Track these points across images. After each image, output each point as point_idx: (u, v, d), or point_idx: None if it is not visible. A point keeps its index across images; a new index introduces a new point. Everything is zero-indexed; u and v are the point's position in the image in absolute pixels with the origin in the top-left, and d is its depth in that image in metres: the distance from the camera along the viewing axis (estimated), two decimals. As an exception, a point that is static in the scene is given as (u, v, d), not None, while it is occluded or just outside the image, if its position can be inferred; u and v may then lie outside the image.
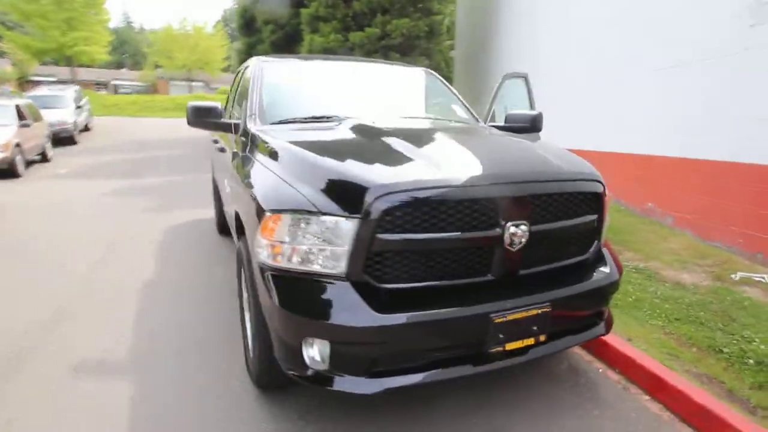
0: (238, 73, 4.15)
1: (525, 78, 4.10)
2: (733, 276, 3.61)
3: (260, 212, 1.89)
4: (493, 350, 1.86)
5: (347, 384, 1.78)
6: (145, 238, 4.93)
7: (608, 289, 2.19)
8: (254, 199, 2.01)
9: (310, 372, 1.81)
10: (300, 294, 1.79)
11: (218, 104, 2.87)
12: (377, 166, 1.90)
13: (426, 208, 1.75)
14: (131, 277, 3.81)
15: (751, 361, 2.50)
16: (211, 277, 3.85)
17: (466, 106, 3.44)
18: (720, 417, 2.04)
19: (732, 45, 4.11)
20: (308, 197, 1.80)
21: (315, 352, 1.79)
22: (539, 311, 1.91)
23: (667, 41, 4.90)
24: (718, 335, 2.80)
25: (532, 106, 4.05)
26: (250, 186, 2.19)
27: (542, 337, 1.97)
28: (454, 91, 3.57)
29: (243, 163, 2.54)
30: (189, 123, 2.99)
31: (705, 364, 2.55)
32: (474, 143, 2.47)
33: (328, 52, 10.54)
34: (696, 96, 4.57)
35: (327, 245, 1.75)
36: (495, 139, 2.62)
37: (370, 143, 2.27)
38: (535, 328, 1.93)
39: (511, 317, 1.85)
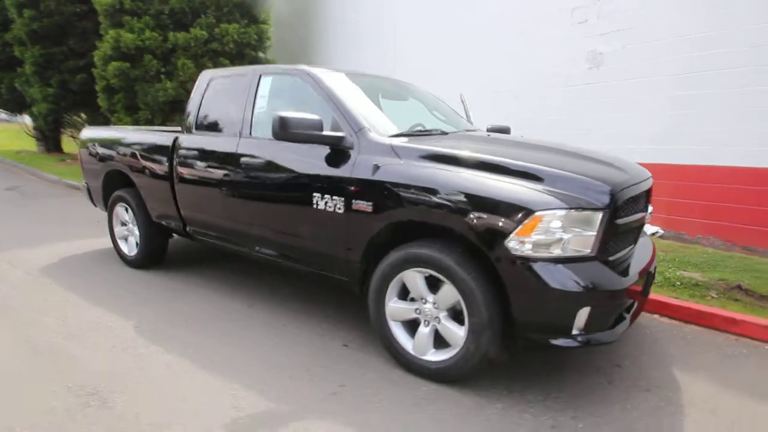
0: (220, 79, 3.72)
1: (462, 96, 5.01)
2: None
3: (521, 213, 2.18)
4: (646, 297, 2.70)
5: (603, 337, 2.31)
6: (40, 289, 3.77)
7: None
8: (497, 202, 2.25)
9: (576, 338, 2.26)
10: (571, 275, 2.20)
11: (318, 117, 2.76)
12: (593, 168, 2.48)
13: (630, 198, 2.44)
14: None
15: (678, 283, 4.02)
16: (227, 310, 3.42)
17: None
18: (710, 312, 3.38)
19: (575, 80, 5.99)
20: (564, 197, 2.23)
21: (580, 320, 2.25)
22: (654, 267, 2.84)
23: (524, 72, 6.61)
24: (643, 273, 4.30)
25: (468, 118, 4.98)
26: (465, 191, 2.35)
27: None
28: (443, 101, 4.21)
29: (404, 171, 2.56)
30: (276, 136, 2.75)
31: (654, 290, 3.95)
32: (577, 151, 3.13)
33: (142, 51, 9.20)
34: (545, 116, 6.37)
35: (585, 233, 2.23)
36: (579, 148, 3.29)
37: (534, 152, 2.84)
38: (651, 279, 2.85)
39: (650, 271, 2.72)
